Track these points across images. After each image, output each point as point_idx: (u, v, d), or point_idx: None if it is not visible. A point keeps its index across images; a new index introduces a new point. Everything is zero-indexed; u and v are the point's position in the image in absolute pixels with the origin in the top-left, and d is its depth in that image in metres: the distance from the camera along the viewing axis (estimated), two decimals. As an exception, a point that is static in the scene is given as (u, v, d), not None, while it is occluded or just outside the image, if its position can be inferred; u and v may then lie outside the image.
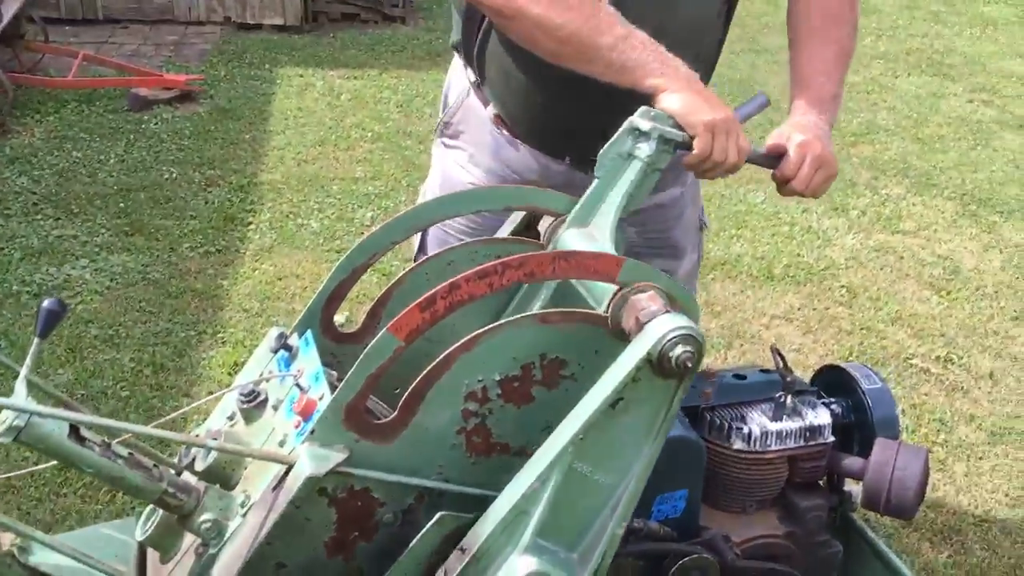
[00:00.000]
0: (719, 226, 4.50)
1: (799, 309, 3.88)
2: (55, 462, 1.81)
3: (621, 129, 1.54)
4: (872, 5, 8.36)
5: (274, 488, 1.34)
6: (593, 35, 1.55)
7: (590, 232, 1.58)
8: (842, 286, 4.07)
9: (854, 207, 4.81)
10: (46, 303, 1.31)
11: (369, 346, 1.32)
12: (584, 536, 1.34)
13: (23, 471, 2.49)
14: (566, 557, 1.32)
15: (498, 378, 1.39)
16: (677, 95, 1.54)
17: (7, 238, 4.01)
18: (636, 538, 1.56)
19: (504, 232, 1.73)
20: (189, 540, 1.44)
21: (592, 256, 1.39)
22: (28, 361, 1.25)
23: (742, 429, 1.68)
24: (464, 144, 1.97)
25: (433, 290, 1.33)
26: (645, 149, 1.53)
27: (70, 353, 3.28)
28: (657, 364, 1.27)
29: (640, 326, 1.30)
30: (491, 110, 1.89)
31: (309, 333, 1.56)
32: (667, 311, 1.31)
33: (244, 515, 1.36)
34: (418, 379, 1.36)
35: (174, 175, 4.71)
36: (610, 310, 1.36)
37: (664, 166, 1.57)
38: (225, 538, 1.36)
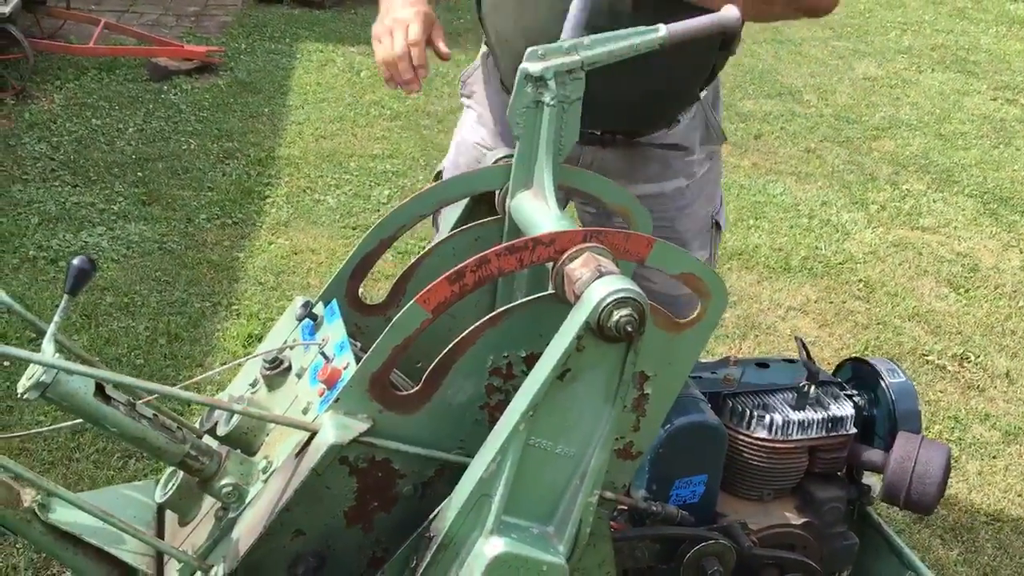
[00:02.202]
0: (737, 216, 4.47)
1: (816, 302, 3.86)
2: (67, 425, 1.82)
3: (516, 80, 1.47)
4: None
5: (296, 455, 1.33)
6: None
7: (535, 192, 1.54)
8: (860, 280, 4.05)
9: (874, 201, 4.78)
10: (76, 261, 1.30)
11: (396, 317, 1.32)
12: (556, 508, 1.32)
13: (35, 431, 2.50)
14: (540, 531, 1.30)
15: (524, 354, 1.38)
16: None
17: (25, 203, 4.01)
18: (653, 521, 1.55)
19: (447, 220, 1.70)
20: (208, 504, 1.44)
21: (623, 236, 1.37)
22: (56, 318, 1.25)
23: (764, 417, 1.67)
24: (475, 104, 2.01)
25: (463, 263, 1.32)
26: (548, 93, 1.46)
27: (86, 320, 3.28)
28: (599, 331, 1.23)
29: (577, 296, 1.26)
30: (496, 72, 1.91)
31: (335, 303, 1.55)
32: (601, 275, 1.25)
33: (265, 481, 1.36)
34: (443, 353, 1.35)
35: (192, 146, 4.70)
36: (555, 287, 1.32)
37: (581, 92, 1.48)
38: (245, 503, 1.36)
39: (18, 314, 1.45)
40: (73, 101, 5.06)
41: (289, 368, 1.52)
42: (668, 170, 1.90)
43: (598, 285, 1.24)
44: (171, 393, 1.23)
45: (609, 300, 1.22)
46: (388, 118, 5.20)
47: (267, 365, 1.52)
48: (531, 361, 1.36)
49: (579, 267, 1.29)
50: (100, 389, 1.26)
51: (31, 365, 1.22)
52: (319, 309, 1.57)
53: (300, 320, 1.56)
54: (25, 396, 1.21)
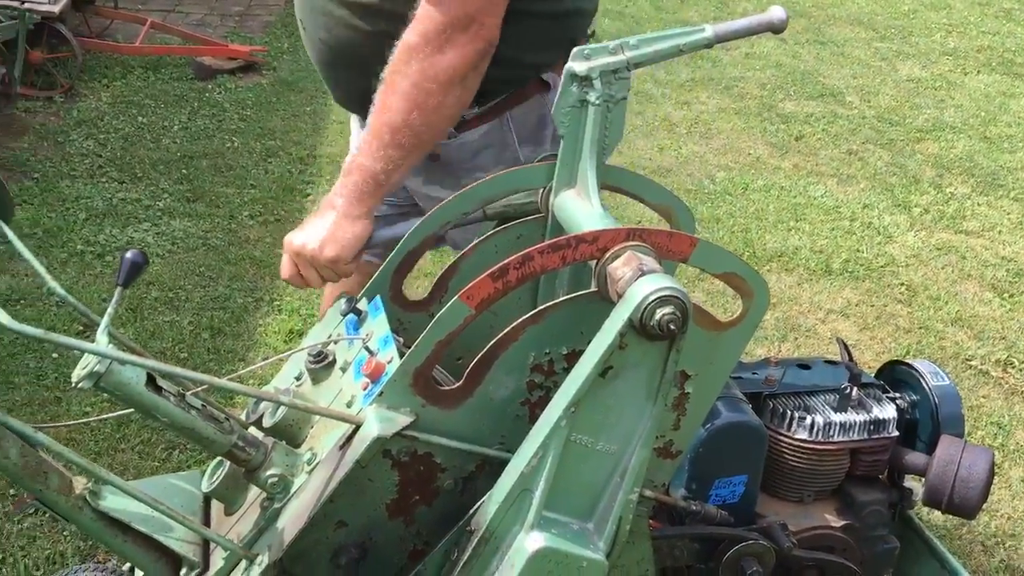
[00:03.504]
0: (777, 218, 4.45)
1: (856, 305, 3.82)
2: (115, 415, 1.86)
3: (562, 79, 1.48)
4: (944, 0, 8.18)
5: (340, 447, 1.35)
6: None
7: (577, 191, 1.55)
8: (902, 284, 4.00)
9: (917, 204, 4.72)
10: (129, 254, 1.33)
11: (439, 313, 1.33)
12: (596, 505, 1.32)
13: (83, 420, 2.56)
14: (580, 527, 1.31)
15: (565, 351, 1.39)
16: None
17: (73, 199, 4.09)
18: (693, 520, 1.55)
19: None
20: (253, 494, 1.47)
21: (666, 235, 1.38)
22: (109, 310, 1.28)
23: (805, 418, 1.66)
24: None
25: (506, 260, 1.33)
26: (594, 93, 1.47)
27: (131, 313, 3.34)
28: (641, 328, 1.24)
29: (619, 295, 1.27)
30: None
31: (378, 298, 1.57)
32: (643, 273, 1.25)
33: (309, 472, 1.38)
34: (486, 349, 1.37)
35: (236, 144, 4.77)
36: (597, 285, 1.33)
37: (628, 91, 1.48)
38: (290, 493, 1.39)
39: (72, 306, 1.49)
40: (120, 99, 5.16)
41: (334, 362, 1.54)
42: (449, 178, 1.85)
43: (641, 283, 1.25)
44: (220, 384, 1.26)
45: (652, 298, 1.23)
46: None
47: (312, 359, 1.54)
48: (572, 358, 1.37)
49: (621, 265, 1.30)
50: (151, 380, 1.29)
51: (85, 355, 1.26)
52: (363, 304, 1.59)
53: (344, 315, 1.59)
54: (79, 385, 1.24)
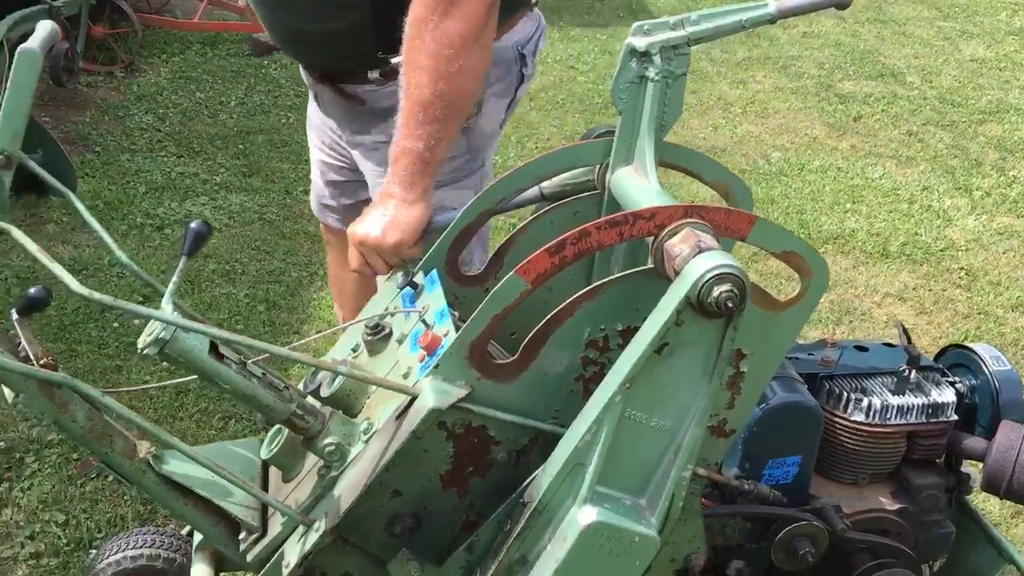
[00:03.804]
0: (833, 199, 4.38)
1: (914, 289, 3.75)
2: (172, 383, 1.90)
3: (621, 55, 1.48)
4: (1010, -22, 7.94)
5: (397, 418, 1.37)
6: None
7: (635, 168, 1.55)
8: (961, 268, 3.92)
9: (978, 187, 4.61)
10: (194, 224, 1.36)
11: (496, 287, 1.34)
12: (649, 481, 1.32)
13: (144, 387, 2.62)
14: (632, 503, 1.31)
15: (620, 328, 1.39)
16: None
17: (133, 172, 4.17)
18: (745, 500, 1.54)
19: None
20: (311, 462, 1.50)
21: (724, 212, 1.37)
22: (174, 279, 1.31)
23: (862, 400, 1.64)
24: None
25: (563, 236, 1.33)
26: (653, 68, 1.46)
27: (190, 285, 3.41)
28: (699, 306, 1.23)
29: (676, 272, 1.27)
30: None
31: (435, 272, 1.59)
32: (701, 250, 1.25)
33: (366, 442, 1.40)
34: (541, 324, 1.37)
35: (291, 120, 4.82)
36: (654, 261, 1.33)
37: (686, 68, 1.49)
38: (347, 462, 1.41)
39: (136, 275, 1.53)
40: (178, 75, 5.24)
41: (390, 334, 1.56)
42: (373, 128, 1.91)
43: (698, 260, 1.25)
44: (281, 353, 1.28)
45: (710, 276, 1.22)
46: (480, 95, 5.23)
47: (369, 331, 1.56)
48: (627, 335, 1.37)
49: (679, 242, 1.29)
50: (214, 347, 1.31)
51: (151, 323, 1.29)
52: (419, 278, 1.61)
53: (401, 288, 1.60)
54: (145, 352, 1.27)
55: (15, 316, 1.40)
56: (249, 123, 4.75)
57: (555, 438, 1.39)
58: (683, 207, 1.34)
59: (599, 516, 1.27)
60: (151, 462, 1.46)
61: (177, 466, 1.48)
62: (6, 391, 1.37)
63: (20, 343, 1.40)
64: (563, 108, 5.21)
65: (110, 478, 2.43)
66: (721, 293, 1.22)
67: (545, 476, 1.32)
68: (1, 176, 1.43)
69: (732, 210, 1.38)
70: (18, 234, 1.25)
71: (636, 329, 1.36)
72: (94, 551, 2.16)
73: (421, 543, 1.43)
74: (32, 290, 1.40)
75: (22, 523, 2.28)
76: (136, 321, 3.09)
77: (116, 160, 4.26)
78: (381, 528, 1.41)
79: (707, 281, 1.22)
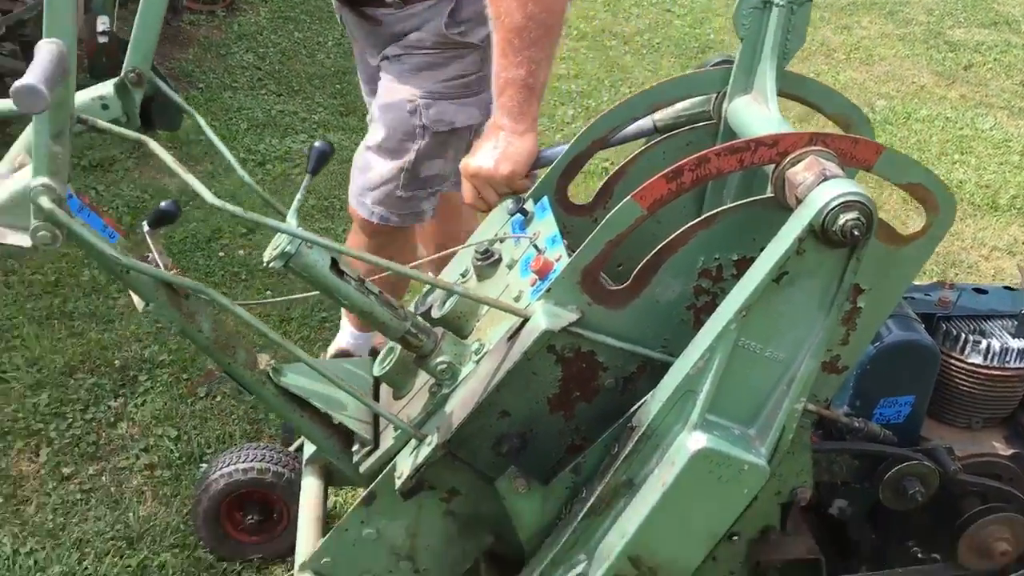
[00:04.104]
0: (940, 149, 4.22)
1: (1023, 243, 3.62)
2: (281, 300, 1.95)
3: None
4: None
5: (508, 339, 1.39)
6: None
7: (754, 96, 1.51)
8: (1075, 223, 3.76)
9: (1098, 140, 4.39)
10: (317, 144, 1.39)
11: (611, 213, 1.34)
12: (760, 412, 1.32)
13: (257, 301, 2.70)
14: (741, 433, 1.31)
15: (735, 257, 1.37)
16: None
17: (235, 109, 4.26)
18: (855, 437, 1.53)
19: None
20: (421, 381, 1.53)
21: (851, 141, 1.33)
22: (299, 195, 1.34)
23: (980, 343, 1.60)
24: None
25: (681, 162, 1.32)
26: None
27: (289, 219, 3.49)
28: (822, 234, 1.20)
29: (799, 200, 1.24)
30: None
31: (545, 199, 1.59)
32: (826, 178, 1.21)
33: (477, 362, 1.43)
34: (654, 251, 1.37)
35: (386, 60, 4.84)
36: (774, 190, 1.30)
37: None
38: (458, 381, 1.44)
39: (258, 194, 1.58)
40: (277, 15, 5.31)
41: (500, 260, 1.57)
42: (389, 47, 2.01)
43: (824, 188, 1.22)
44: (402, 271, 1.31)
45: (835, 203, 1.20)
46: (574, 38, 5.17)
47: (479, 256, 1.58)
48: (742, 265, 1.36)
49: (802, 170, 1.27)
50: (335, 264, 1.35)
51: (276, 237, 1.33)
52: (529, 205, 1.61)
53: (511, 215, 1.61)
54: (271, 265, 1.31)
55: (146, 228, 1.46)
56: (346, 63, 4.79)
57: (663, 366, 1.39)
58: (807, 134, 1.31)
59: (709, 443, 1.27)
60: (271, 374, 1.51)
61: (295, 379, 1.53)
62: (136, 300, 1.44)
63: (150, 255, 1.45)
64: (658, 52, 5.11)
65: (218, 398, 2.53)
66: (847, 221, 1.20)
67: (655, 402, 1.33)
68: (133, 93, 1.48)
69: (859, 138, 1.34)
70: (155, 146, 1.29)
71: (751, 260, 1.35)
72: (205, 465, 2.26)
73: (527, 463, 1.45)
74: (163, 204, 1.45)
75: (136, 436, 2.39)
76: (240, 252, 3.18)
77: (219, 97, 4.35)
78: (488, 447, 1.44)
79: (832, 209, 1.20)
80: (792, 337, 1.30)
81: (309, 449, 1.80)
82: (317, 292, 1.37)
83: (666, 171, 1.32)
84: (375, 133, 2.06)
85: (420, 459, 1.40)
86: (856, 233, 1.19)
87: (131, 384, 2.57)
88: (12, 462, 2.29)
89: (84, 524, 2.12)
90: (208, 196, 1.20)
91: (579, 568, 1.39)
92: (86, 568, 2.01)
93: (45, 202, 1.12)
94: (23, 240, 1.19)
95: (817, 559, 1.58)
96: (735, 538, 1.48)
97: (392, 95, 2.02)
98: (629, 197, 1.33)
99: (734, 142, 1.32)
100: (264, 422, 2.47)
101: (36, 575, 1.98)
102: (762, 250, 1.33)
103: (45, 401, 2.47)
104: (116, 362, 2.64)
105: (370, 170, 2.08)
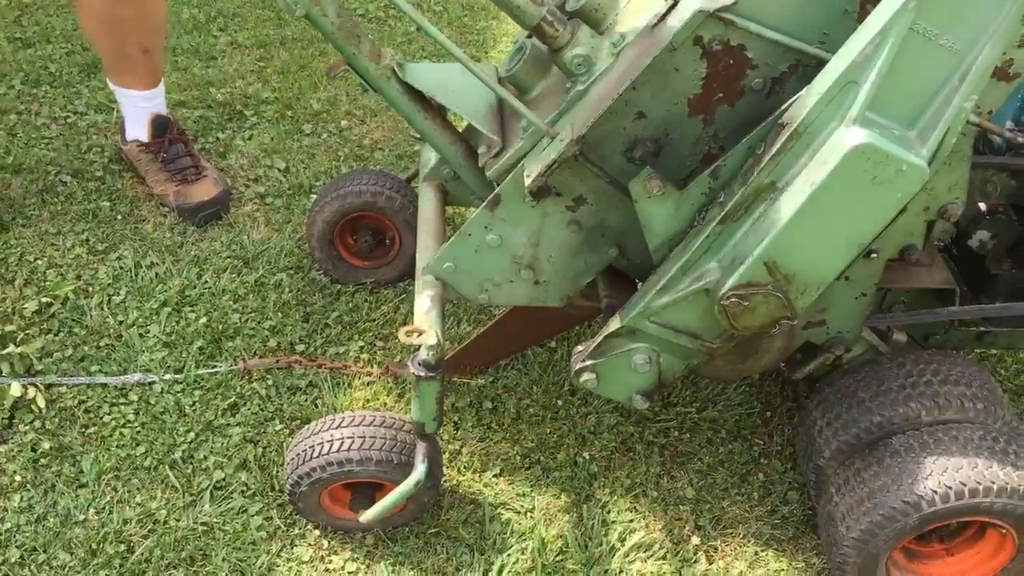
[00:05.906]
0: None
1: None
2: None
3: None
4: None
5: (653, 27, 1.29)
6: None
7: None
8: None
9: None
10: None
11: None
12: (924, 112, 1.21)
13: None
14: (901, 134, 1.21)
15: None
16: None
17: None
18: (1018, 154, 1.42)
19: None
20: (550, 80, 1.45)
21: None
22: None
23: None
24: None
25: None
26: None
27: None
28: None
29: None
30: None
31: None
32: None
33: (616, 55, 1.34)
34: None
35: None
36: None
37: None
38: (593, 76, 1.36)
39: None
40: None
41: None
42: None
43: None
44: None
45: None
46: None
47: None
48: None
49: None
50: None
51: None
52: None
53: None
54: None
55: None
56: None
57: (818, 66, 1.28)
58: None
59: (868, 138, 1.18)
60: (395, 69, 1.45)
61: (420, 76, 1.46)
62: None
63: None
64: None
65: (324, 135, 2.51)
66: None
67: (811, 95, 1.23)
68: None
69: None
70: None
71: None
72: (314, 195, 2.26)
73: (659, 171, 1.39)
74: None
75: (245, 167, 2.40)
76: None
77: None
78: (620, 151, 1.38)
79: None
80: (972, 25, 1.17)
81: (428, 164, 1.77)
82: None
83: None
84: None
85: (552, 155, 1.35)
86: None
87: (237, 119, 2.56)
88: (127, 184, 2.32)
89: (201, 243, 2.16)
90: None
91: (710, 276, 1.35)
92: (205, 282, 2.06)
93: None
94: None
95: (953, 288, 1.52)
96: (873, 255, 1.41)
97: None
98: None
99: None
100: (370, 160, 2.45)
101: (157, 286, 2.04)
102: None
103: (154, 131, 2.48)
104: (219, 97, 2.62)
105: None
